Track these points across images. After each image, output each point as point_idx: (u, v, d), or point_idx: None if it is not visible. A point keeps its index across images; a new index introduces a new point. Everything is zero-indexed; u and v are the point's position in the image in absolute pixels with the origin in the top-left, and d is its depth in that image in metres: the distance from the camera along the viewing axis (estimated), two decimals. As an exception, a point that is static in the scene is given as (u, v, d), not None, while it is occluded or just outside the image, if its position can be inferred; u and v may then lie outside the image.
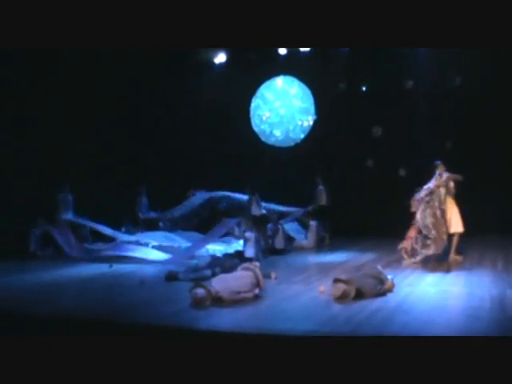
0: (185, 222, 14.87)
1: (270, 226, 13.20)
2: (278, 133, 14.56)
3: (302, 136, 14.81)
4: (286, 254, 12.91)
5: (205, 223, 14.17)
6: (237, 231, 12.71)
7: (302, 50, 15.80)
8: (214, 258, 10.79)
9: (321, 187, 14.75)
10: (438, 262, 9.93)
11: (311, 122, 14.70)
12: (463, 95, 14.77)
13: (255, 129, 14.99)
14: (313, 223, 14.21)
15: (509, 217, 13.65)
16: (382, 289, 7.47)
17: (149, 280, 9.35)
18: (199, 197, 15.07)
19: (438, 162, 10.40)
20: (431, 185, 10.20)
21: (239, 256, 11.19)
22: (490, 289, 7.64)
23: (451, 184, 10.30)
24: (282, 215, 14.59)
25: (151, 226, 15.08)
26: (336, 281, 7.31)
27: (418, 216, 10.16)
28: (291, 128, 14.56)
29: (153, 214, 15.55)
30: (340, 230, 14.48)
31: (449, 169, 10.41)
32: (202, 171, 16.44)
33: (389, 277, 7.84)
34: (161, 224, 15.26)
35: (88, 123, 15.80)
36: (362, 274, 7.81)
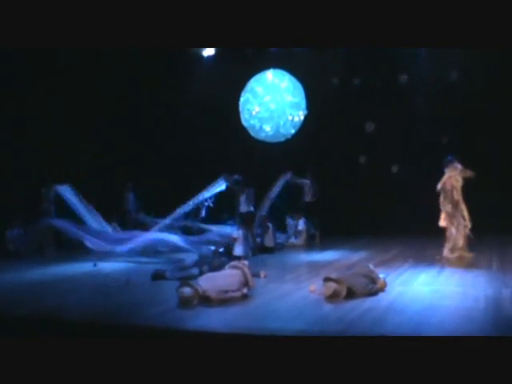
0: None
1: (258, 223, 13.22)
2: (268, 128, 14.52)
3: (293, 131, 14.77)
4: (276, 252, 12.93)
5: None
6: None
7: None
8: (201, 256, 10.78)
9: (307, 181, 14.78)
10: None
11: (302, 117, 14.66)
12: (460, 91, 14.83)
13: (244, 124, 14.95)
14: (301, 222, 14.25)
15: (505, 216, 13.72)
16: (373, 288, 7.49)
17: (135, 279, 9.33)
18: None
19: (451, 158, 10.54)
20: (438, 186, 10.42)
21: (228, 254, 11.18)
22: (484, 289, 7.68)
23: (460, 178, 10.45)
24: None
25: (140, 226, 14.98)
26: (327, 280, 7.32)
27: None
28: (282, 123, 14.52)
29: (144, 218, 15.38)
30: (331, 227, 14.51)
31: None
32: (193, 170, 16.54)
33: (381, 276, 7.86)
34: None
35: (88, 123, 16.08)
36: (354, 273, 7.82)
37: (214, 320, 6.45)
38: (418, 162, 15.38)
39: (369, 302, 6.99)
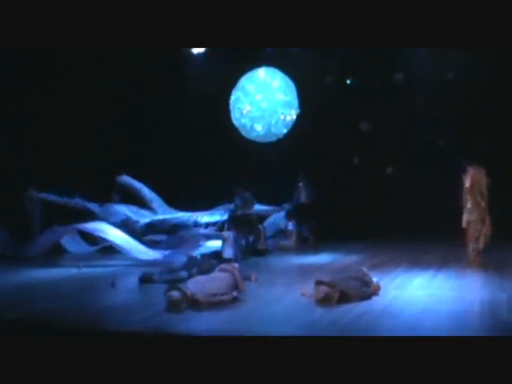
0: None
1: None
2: (259, 127, 14.52)
3: (285, 131, 14.79)
4: (267, 255, 12.93)
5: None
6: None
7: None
8: (190, 258, 10.75)
9: (301, 184, 14.80)
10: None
11: (294, 117, 14.68)
12: (460, 91, 14.89)
13: (235, 123, 14.94)
14: (291, 223, 14.28)
15: (503, 218, 13.76)
16: (367, 292, 7.50)
17: (122, 282, 9.31)
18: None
19: (466, 161, 10.66)
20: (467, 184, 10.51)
21: (217, 257, 11.18)
22: (480, 292, 7.72)
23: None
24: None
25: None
26: (319, 283, 7.32)
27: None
28: (273, 122, 14.53)
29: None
30: (325, 230, 14.52)
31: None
32: (193, 170, 16.70)
33: (374, 279, 7.87)
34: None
35: (88, 123, 16.41)
36: (346, 276, 7.81)
37: (203, 324, 6.44)
38: (416, 163, 15.45)
39: (362, 306, 7.00)
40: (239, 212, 13.06)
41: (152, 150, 17.30)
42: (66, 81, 15.56)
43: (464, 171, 10.52)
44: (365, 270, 8.14)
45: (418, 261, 10.81)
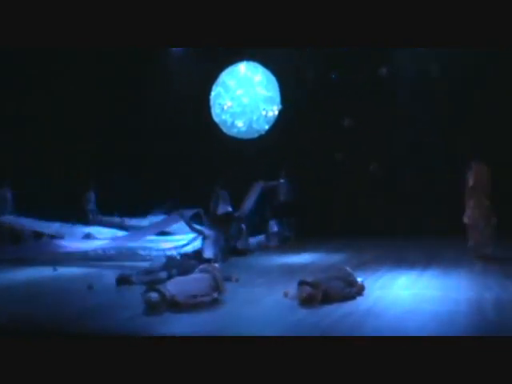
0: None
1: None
2: (240, 123, 14.52)
3: (267, 127, 14.81)
4: (248, 254, 12.95)
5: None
6: None
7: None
8: (169, 258, 10.74)
9: (282, 181, 14.84)
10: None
11: (276, 112, 14.71)
12: (458, 90, 15.02)
13: (216, 119, 14.92)
14: (274, 224, 14.30)
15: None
16: (351, 292, 7.54)
17: (98, 284, 9.26)
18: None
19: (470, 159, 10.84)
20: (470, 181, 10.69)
21: (197, 257, 11.17)
22: (466, 292, 7.79)
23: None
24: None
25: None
26: (301, 283, 7.34)
27: None
28: (255, 118, 14.54)
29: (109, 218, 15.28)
30: (307, 228, 14.57)
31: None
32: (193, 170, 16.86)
33: (358, 279, 7.92)
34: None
35: (88, 123, 16.83)
36: (330, 276, 7.83)
37: (182, 326, 6.43)
38: (399, 161, 15.54)
39: (346, 307, 7.03)
40: (221, 211, 13.05)
41: (152, 150, 17.54)
42: (66, 81, 15.98)
43: (468, 169, 10.67)
44: (349, 269, 8.17)
45: (402, 260, 10.90)
